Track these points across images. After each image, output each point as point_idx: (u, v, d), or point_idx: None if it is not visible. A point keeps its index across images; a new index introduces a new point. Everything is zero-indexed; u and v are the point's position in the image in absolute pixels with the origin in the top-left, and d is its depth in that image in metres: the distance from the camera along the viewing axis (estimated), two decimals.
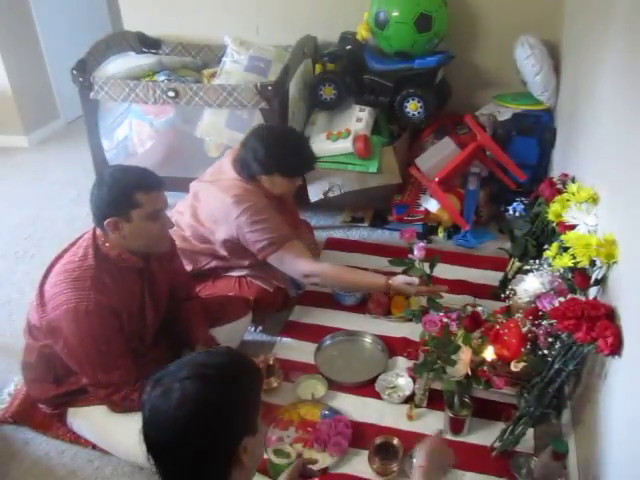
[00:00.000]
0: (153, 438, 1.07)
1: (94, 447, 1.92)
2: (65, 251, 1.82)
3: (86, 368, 1.76)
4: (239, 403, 1.09)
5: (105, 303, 1.69)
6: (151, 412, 1.07)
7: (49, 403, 1.90)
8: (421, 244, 2.18)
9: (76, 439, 1.95)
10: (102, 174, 1.74)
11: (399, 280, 2.13)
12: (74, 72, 2.99)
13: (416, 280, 2.13)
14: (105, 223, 1.69)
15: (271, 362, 2.12)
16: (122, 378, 1.77)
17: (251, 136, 2.25)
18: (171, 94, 2.86)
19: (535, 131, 2.95)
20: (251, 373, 1.16)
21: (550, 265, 1.81)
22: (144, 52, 3.53)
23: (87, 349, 1.71)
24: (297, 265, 2.18)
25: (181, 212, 2.35)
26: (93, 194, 1.71)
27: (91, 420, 1.87)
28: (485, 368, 1.86)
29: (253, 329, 2.39)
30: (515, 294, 1.93)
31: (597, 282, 1.63)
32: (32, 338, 1.87)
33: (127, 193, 1.67)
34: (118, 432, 1.82)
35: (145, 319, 1.90)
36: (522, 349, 1.76)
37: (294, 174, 2.28)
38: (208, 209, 2.25)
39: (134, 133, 3.12)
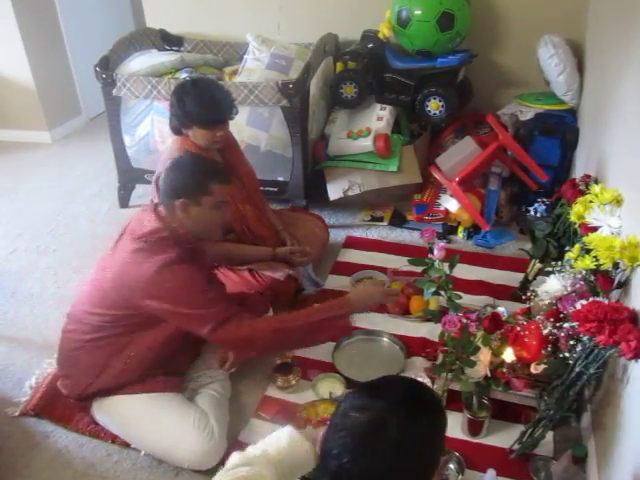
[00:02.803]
0: (355, 468, 1.01)
1: (113, 441, 1.94)
2: (118, 241, 1.87)
3: (187, 311, 1.77)
4: (443, 434, 1.11)
5: (188, 261, 1.79)
6: (361, 439, 1.02)
7: (83, 396, 1.92)
8: (441, 244, 2.17)
9: (95, 433, 1.97)
10: (180, 158, 1.93)
11: (284, 250, 2.45)
12: (97, 69, 3.01)
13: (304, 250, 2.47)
14: (177, 203, 1.80)
15: (289, 360, 2.14)
16: (222, 311, 1.80)
17: (171, 93, 2.34)
18: None
19: (558, 131, 2.91)
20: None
21: (572, 267, 1.79)
22: (166, 49, 3.56)
23: (187, 292, 1.76)
24: None
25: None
26: (169, 176, 1.84)
27: (117, 411, 1.89)
28: (504, 370, 1.84)
29: None
30: (536, 296, 1.91)
31: (620, 285, 1.61)
32: (81, 327, 1.89)
33: (204, 180, 1.82)
34: (143, 424, 1.85)
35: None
36: (542, 351, 1.75)
37: (207, 125, 2.27)
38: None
39: (156, 130, 3.13)
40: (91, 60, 3.06)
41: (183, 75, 3.12)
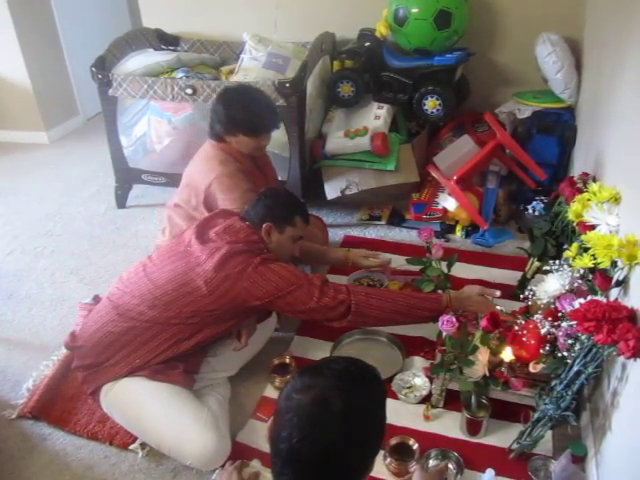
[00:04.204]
0: (305, 445, 1.04)
1: (111, 443, 1.94)
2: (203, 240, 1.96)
3: (293, 287, 1.89)
4: (384, 403, 1.15)
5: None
6: (307, 417, 1.05)
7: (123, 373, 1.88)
8: (439, 243, 2.17)
9: (93, 435, 1.96)
10: (278, 190, 2.18)
11: (357, 252, 2.41)
12: (93, 69, 3.00)
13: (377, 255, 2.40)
14: (265, 225, 2.00)
15: (287, 360, 2.13)
16: (315, 277, 1.97)
17: (215, 99, 2.38)
18: (189, 91, 2.86)
19: (556, 129, 2.91)
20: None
21: (570, 265, 1.79)
22: (163, 49, 3.55)
23: (289, 271, 1.91)
24: None
25: (174, 202, 2.47)
26: (265, 200, 2.05)
27: (131, 394, 1.87)
28: (503, 369, 1.84)
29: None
30: (534, 295, 1.90)
31: (618, 283, 1.60)
32: (139, 324, 1.89)
33: (293, 212, 2.06)
34: (157, 412, 1.83)
35: None
36: (541, 350, 1.74)
37: (256, 132, 2.32)
38: (191, 182, 2.40)
39: (152, 130, 3.13)
40: (88, 60, 3.05)
41: (179, 75, 3.11)
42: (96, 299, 2.42)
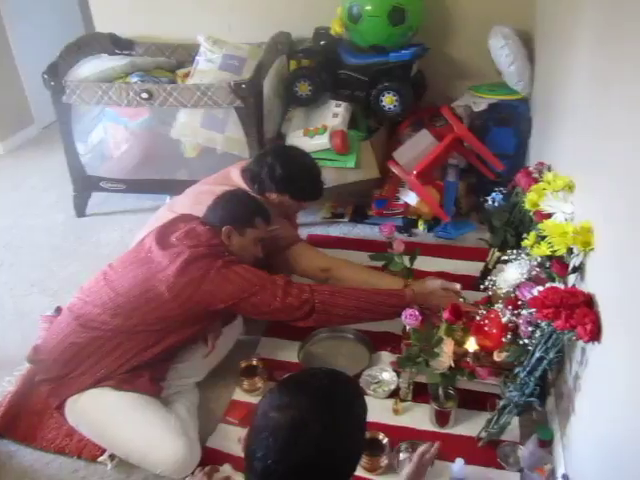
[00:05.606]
0: (280, 467, 1.04)
1: (79, 456, 1.91)
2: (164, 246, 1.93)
3: (257, 288, 1.90)
4: (364, 420, 1.15)
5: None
6: (284, 439, 1.04)
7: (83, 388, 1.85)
8: (400, 238, 2.19)
9: (60, 449, 1.93)
10: (236, 193, 2.16)
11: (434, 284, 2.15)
12: (45, 76, 2.94)
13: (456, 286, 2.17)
14: (224, 229, 1.98)
15: (255, 362, 2.12)
16: (279, 277, 1.98)
17: (270, 152, 2.35)
18: (144, 95, 2.83)
19: (511, 121, 2.95)
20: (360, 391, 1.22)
21: (528, 254, 1.82)
22: (117, 54, 3.49)
23: (252, 273, 1.93)
24: (315, 260, 2.33)
25: (176, 213, 2.36)
26: (224, 204, 2.06)
27: (96, 406, 1.84)
28: (468, 359, 1.86)
29: None
30: (495, 284, 1.93)
31: (575, 270, 1.63)
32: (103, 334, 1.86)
33: (253, 214, 2.06)
34: (124, 421, 1.81)
35: None
36: (503, 339, 1.77)
37: (304, 199, 2.36)
38: None
39: (109, 136, 3.08)
40: (41, 68, 2.98)
41: (134, 79, 3.07)
42: (59, 311, 2.37)
